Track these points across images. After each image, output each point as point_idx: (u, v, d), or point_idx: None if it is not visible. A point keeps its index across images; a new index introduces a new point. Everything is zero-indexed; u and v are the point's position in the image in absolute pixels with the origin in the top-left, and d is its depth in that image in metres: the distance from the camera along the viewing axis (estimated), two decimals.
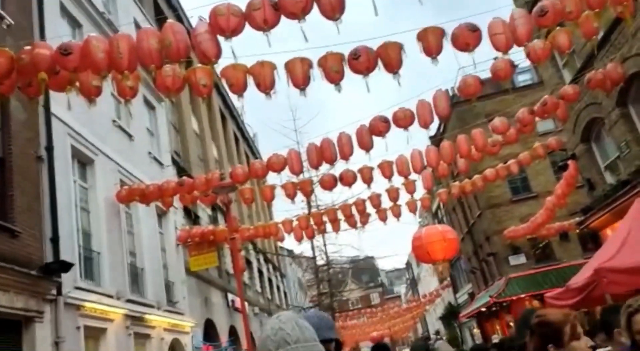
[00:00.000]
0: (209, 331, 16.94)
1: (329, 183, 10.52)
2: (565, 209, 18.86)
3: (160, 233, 14.05)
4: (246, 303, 22.79)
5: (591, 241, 22.55)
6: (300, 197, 20.89)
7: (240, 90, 6.46)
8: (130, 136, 12.93)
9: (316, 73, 6.54)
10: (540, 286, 21.15)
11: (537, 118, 10.60)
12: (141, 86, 14.83)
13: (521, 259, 22.12)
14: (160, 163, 14.70)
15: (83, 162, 10.68)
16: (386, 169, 10.41)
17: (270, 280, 31.63)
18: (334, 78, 6.48)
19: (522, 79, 23.58)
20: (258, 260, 28.52)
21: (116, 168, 11.62)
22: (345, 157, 9.15)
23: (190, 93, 22.58)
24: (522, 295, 21.14)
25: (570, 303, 6.20)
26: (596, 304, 6.09)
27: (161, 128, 15.65)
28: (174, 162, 16.37)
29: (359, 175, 10.51)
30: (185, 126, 19.78)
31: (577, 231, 20.76)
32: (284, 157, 9.59)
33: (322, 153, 9.27)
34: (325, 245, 19.29)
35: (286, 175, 10.20)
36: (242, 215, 24.37)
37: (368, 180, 10.47)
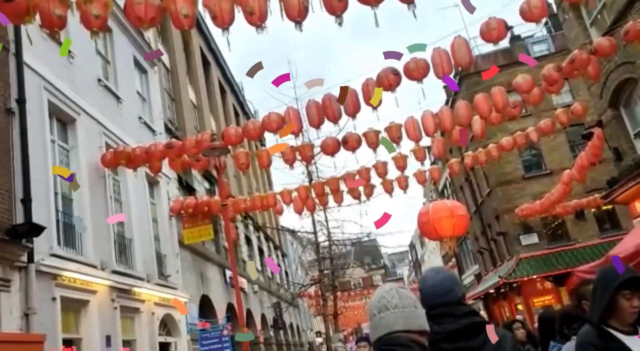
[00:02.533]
0: (205, 307, 16.18)
1: (331, 148, 9.57)
2: (580, 186, 17.85)
3: (152, 204, 13.17)
4: (245, 281, 22.18)
5: (609, 220, 21.62)
6: (300, 169, 20.10)
7: (225, 23, 5.47)
8: (118, 98, 11.96)
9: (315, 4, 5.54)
10: (553, 267, 20.27)
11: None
12: (132, 47, 13.93)
13: (533, 239, 21.17)
14: (152, 130, 13.75)
15: (63, 121, 9.75)
16: (394, 132, 9.43)
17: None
18: (336, 7, 5.47)
19: (538, 49, 22.36)
20: (258, 237, 27.73)
21: (101, 131, 10.68)
22: (351, 113, 8.18)
23: (187, 61, 21.60)
24: (534, 276, 20.26)
25: None
26: None
27: (154, 93, 14.67)
28: (168, 130, 15.43)
29: (363, 139, 9.54)
30: (182, 95, 18.79)
31: (602, 206, 19.84)
32: (280, 115, 8.62)
33: (324, 111, 8.30)
34: (327, 220, 18.38)
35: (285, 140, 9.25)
36: (240, 187, 23.48)
37: (374, 145, 9.49)
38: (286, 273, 35.22)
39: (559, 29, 23.08)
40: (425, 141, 13.53)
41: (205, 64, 24.33)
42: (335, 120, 8.27)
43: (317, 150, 12.26)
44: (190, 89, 20.91)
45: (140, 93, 13.91)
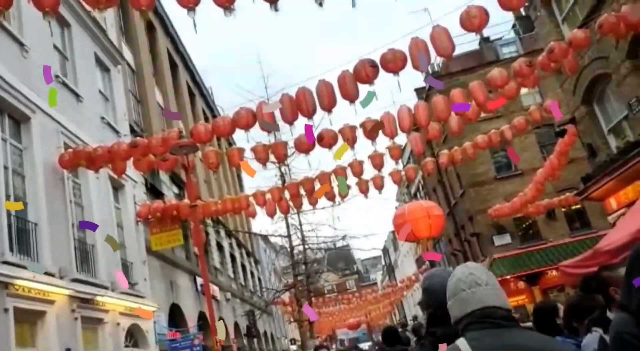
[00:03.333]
0: (175, 317, 15.53)
1: (306, 145, 9.17)
2: (552, 186, 17.93)
3: (117, 208, 12.53)
4: (217, 288, 21.53)
5: (579, 220, 21.83)
6: (272, 172, 19.64)
7: (190, 2, 5.05)
8: (78, 96, 11.33)
9: None
10: (526, 266, 20.30)
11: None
12: (93, 44, 13.28)
13: (506, 239, 21.19)
14: (116, 131, 13.11)
15: (16, 119, 9.10)
16: (370, 128, 9.09)
17: (243, 266, 30.25)
18: None
19: (507, 51, 22.51)
20: (230, 244, 27.10)
21: (58, 130, 10.04)
22: (326, 107, 7.81)
23: (153, 63, 20.96)
24: (508, 277, 20.23)
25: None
26: None
27: (117, 93, 14.03)
28: (134, 132, 14.79)
29: (340, 136, 9.18)
30: (148, 97, 18.15)
31: (577, 203, 19.94)
32: (251, 111, 8.19)
33: (299, 105, 7.92)
34: (300, 224, 17.96)
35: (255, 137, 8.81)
36: (211, 192, 22.86)
37: (351, 141, 9.14)
38: (259, 280, 34.58)
39: (527, 31, 23.33)
40: (400, 139, 13.30)
41: (173, 66, 23.71)
42: (309, 115, 7.89)
43: (291, 151, 11.95)
44: (157, 91, 20.27)
45: (102, 93, 13.27)
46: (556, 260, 20.09)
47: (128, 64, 17.64)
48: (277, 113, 8.12)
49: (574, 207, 21.45)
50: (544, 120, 21.73)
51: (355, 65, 7.60)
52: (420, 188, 31.87)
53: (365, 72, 7.50)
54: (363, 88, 7.68)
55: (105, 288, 10.40)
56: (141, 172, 10.16)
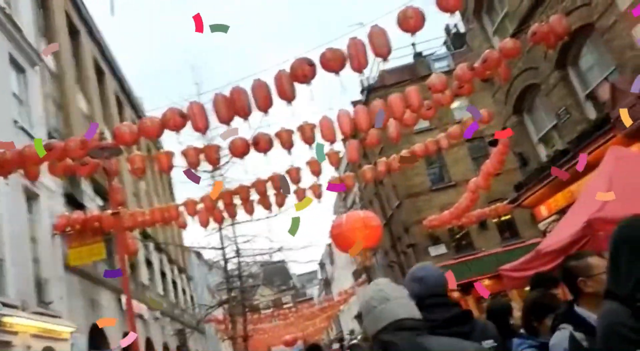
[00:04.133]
0: (97, 338, 14.37)
1: (240, 149, 8.69)
2: (484, 197, 18.36)
3: (31, 220, 11.44)
4: (145, 306, 20.33)
5: (509, 230, 22.52)
6: (205, 182, 18.87)
7: None
8: None
9: None
10: (461, 275, 20.56)
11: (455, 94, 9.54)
12: (7, 43, 12.22)
13: (441, 249, 21.49)
14: (32, 137, 12.03)
15: None
16: (308, 132, 8.77)
17: (174, 282, 28.92)
18: None
19: (439, 66, 23.10)
20: (160, 260, 25.83)
21: None
22: (262, 108, 7.40)
23: (77, 69, 19.75)
24: None
25: (548, 269, 4.90)
26: None
27: (33, 96, 12.97)
28: (52, 138, 13.67)
29: (276, 141, 8.79)
30: (70, 103, 16.96)
31: (506, 214, 20.51)
32: (182, 111, 7.64)
33: (233, 105, 7.46)
34: (235, 236, 17.26)
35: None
36: (139, 202, 21.66)
37: (288, 145, 8.76)
38: (192, 297, 33.19)
39: (458, 47, 24.09)
40: (338, 145, 13.08)
41: (100, 73, 22.50)
42: (245, 115, 7.44)
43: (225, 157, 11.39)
44: (81, 98, 19.08)
45: (16, 95, 12.19)
46: (488, 270, 20.57)
47: (48, 68, 16.48)
48: (212, 115, 7.65)
49: (504, 218, 22.14)
50: (476, 133, 22.44)
51: (292, 64, 7.27)
52: (357, 201, 31.96)
53: (303, 71, 7.18)
54: (300, 89, 7.37)
55: (15, 307, 9.37)
56: (58, 178, 9.26)
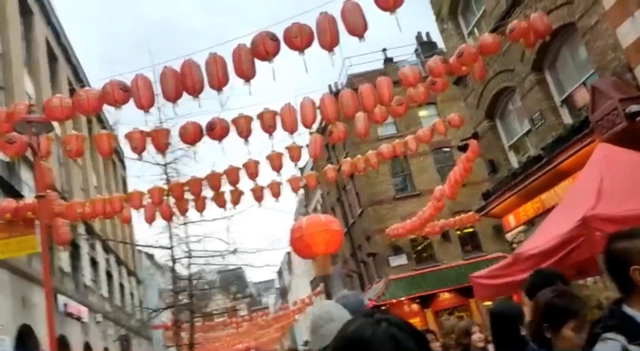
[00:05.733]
0: (26, 341, 13.09)
1: (192, 135, 7.83)
2: (447, 208, 17.91)
3: None
4: (86, 309, 18.94)
5: (470, 242, 22.18)
6: (155, 172, 17.60)
7: None
8: None
9: None
10: (420, 288, 20.10)
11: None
12: None
13: (402, 260, 20.93)
14: None
15: None
16: (268, 120, 8.00)
17: (122, 285, 27.44)
18: None
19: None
20: (107, 260, 24.40)
21: None
22: (216, 85, 6.59)
23: (27, 51, 18.45)
24: (402, 298, 19.87)
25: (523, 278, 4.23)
26: (584, 272, 3.99)
27: None
28: None
29: (233, 127, 7.97)
30: (14, 85, 15.70)
31: (468, 227, 20.14)
32: (125, 85, 6.75)
33: (183, 81, 6.63)
34: (187, 236, 16.19)
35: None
36: (87, 196, 20.25)
37: (245, 133, 7.95)
38: (140, 302, 31.59)
39: (429, 55, 23.79)
40: (301, 139, 12.35)
41: (53, 58, 21.15)
42: (195, 92, 6.61)
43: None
44: (28, 81, 17.76)
45: None
46: (449, 282, 20.14)
47: None
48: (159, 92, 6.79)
49: (467, 231, 21.83)
50: (443, 143, 22.09)
51: (254, 39, 6.50)
52: (319, 207, 31.24)
53: (265, 46, 6.42)
54: (261, 67, 6.61)
55: None
56: None
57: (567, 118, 9.02)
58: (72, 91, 22.68)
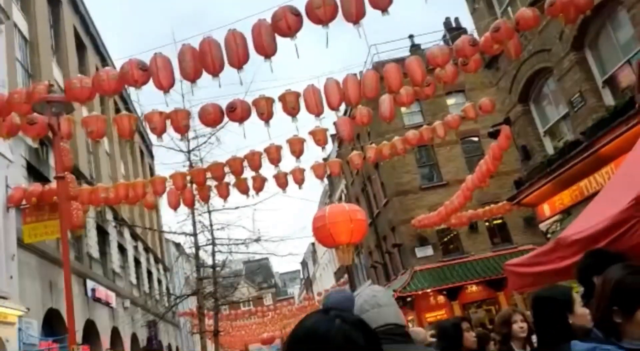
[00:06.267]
0: (54, 324, 13.22)
1: (212, 116, 7.64)
2: (475, 199, 17.32)
3: None
4: (114, 294, 19.15)
5: (499, 234, 21.57)
6: (179, 159, 17.42)
7: None
8: None
9: None
10: (447, 280, 19.65)
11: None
12: None
13: (428, 251, 20.48)
14: None
15: None
16: (290, 101, 7.73)
17: (149, 272, 27.75)
18: None
19: None
20: (135, 247, 24.65)
21: None
22: (236, 63, 6.36)
23: (56, 39, 18.58)
24: (428, 290, 19.47)
25: (568, 265, 3.88)
26: (634, 259, 3.57)
27: None
28: None
29: (253, 109, 7.74)
30: (42, 73, 15.74)
31: (500, 218, 19.55)
32: (144, 64, 6.56)
33: (203, 59, 6.42)
34: (211, 223, 16.10)
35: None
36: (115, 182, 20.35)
37: (266, 115, 7.71)
38: (167, 289, 31.95)
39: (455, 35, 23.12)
40: (326, 123, 12.02)
41: (81, 47, 21.30)
42: (215, 71, 6.40)
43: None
44: (56, 69, 17.88)
45: None
46: (477, 275, 19.64)
47: (20, 32, 15.31)
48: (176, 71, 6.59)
49: (495, 222, 21.23)
50: (471, 132, 21.48)
51: (275, 13, 6.24)
52: (343, 197, 30.92)
53: (287, 21, 6.15)
54: (283, 43, 6.33)
55: None
56: (3, 139, 8.11)
57: (610, 100, 8.49)
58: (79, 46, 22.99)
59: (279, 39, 6.33)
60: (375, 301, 2.09)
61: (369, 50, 26.51)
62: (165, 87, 6.57)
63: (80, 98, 6.77)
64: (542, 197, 10.34)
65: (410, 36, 23.26)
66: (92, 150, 20.30)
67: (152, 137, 30.93)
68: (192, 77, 6.49)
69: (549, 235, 10.48)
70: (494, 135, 11.75)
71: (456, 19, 23.68)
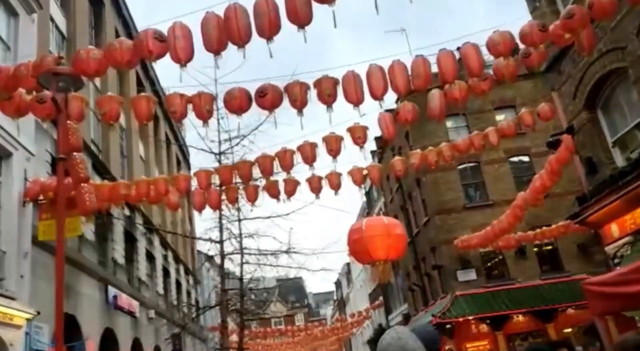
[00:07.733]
0: (68, 330, 12.50)
1: (239, 101, 6.79)
2: (524, 222, 15.84)
3: None
4: (137, 303, 18.45)
5: (550, 261, 19.91)
6: (210, 160, 16.37)
7: None
8: None
9: None
10: (490, 307, 18.09)
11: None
12: None
13: (471, 275, 19.00)
14: None
15: None
16: (327, 89, 6.80)
17: (179, 283, 27.09)
18: None
19: None
20: (165, 256, 24.04)
21: None
22: (266, 34, 5.49)
23: (96, 39, 18.40)
24: (470, 317, 17.94)
25: None
26: None
27: (24, 44, 11.21)
28: None
29: (285, 96, 6.85)
30: None
31: (550, 244, 18.04)
32: (162, 34, 5.78)
33: (227, 28, 5.58)
34: (241, 232, 15.21)
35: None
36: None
37: (299, 103, 6.80)
38: (197, 301, 31.23)
39: None
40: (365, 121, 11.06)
41: None
42: (241, 41, 5.55)
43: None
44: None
45: (3, 40, 10.64)
46: (525, 304, 18.00)
47: (57, 28, 15.10)
48: (199, 42, 5.78)
49: (546, 248, 19.63)
50: (521, 150, 20.07)
51: None
52: (382, 215, 29.66)
53: None
54: (319, 11, 5.44)
55: None
56: (12, 118, 7.46)
57: None
58: (139, 84, 22.81)
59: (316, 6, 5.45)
60: (401, 344, 2.09)
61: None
62: (184, 59, 5.75)
63: (90, 72, 6.04)
64: (610, 215, 8.99)
65: None
66: (126, 154, 19.92)
67: (188, 140, 30.64)
68: (216, 48, 5.65)
69: (616, 260, 9.10)
70: (553, 145, 10.49)
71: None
